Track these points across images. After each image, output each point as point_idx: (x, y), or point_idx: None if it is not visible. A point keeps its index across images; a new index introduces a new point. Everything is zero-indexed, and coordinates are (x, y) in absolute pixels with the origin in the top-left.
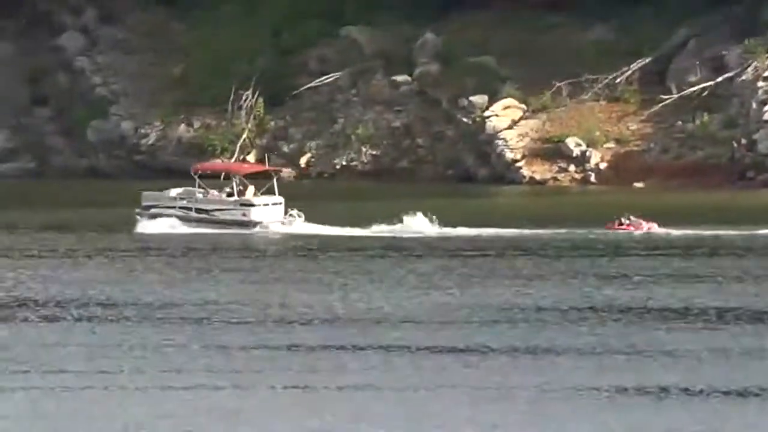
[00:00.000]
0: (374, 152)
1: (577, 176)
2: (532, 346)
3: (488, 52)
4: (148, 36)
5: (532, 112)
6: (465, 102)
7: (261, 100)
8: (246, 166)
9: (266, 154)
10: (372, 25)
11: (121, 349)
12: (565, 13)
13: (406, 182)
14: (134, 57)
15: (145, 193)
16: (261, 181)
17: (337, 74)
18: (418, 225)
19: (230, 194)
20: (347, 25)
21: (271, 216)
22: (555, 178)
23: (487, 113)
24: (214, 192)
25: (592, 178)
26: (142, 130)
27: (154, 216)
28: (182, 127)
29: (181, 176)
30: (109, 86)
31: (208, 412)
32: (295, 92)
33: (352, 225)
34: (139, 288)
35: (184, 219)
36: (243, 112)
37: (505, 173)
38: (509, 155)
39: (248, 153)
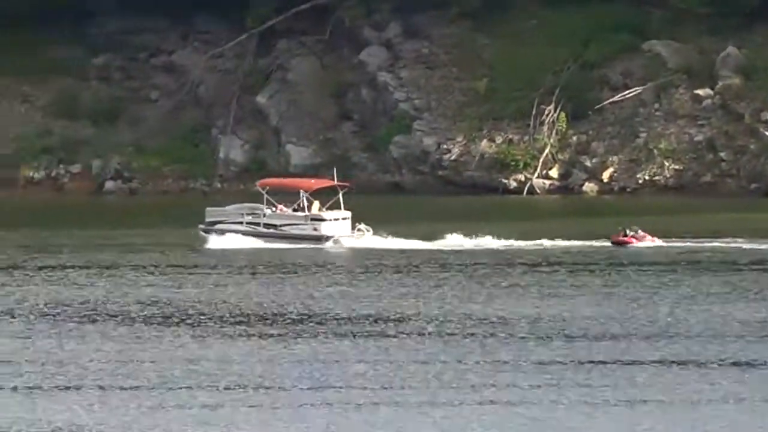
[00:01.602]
0: (677, 167)
1: None
2: None
3: None
4: (452, 50)
5: None
6: None
7: (563, 114)
8: (313, 181)
9: (335, 169)
10: (675, 39)
11: (416, 366)
12: None
13: (709, 197)
14: (437, 72)
15: (209, 209)
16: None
17: (639, 88)
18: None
19: (296, 209)
20: (650, 39)
21: (341, 230)
22: None
23: None
24: (282, 207)
25: None
26: (445, 146)
27: (222, 232)
28: (484, 142)
29: (486, 191)
30: (412, 101)
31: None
32: (598, 106)
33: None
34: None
35: (251, 234)
36: (545, 127)
37: None
38: None
39: (550, 168)
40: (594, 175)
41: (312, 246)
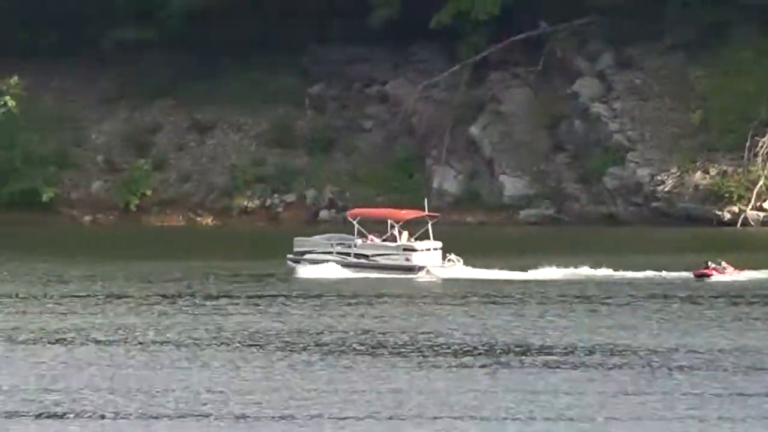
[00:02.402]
0: None
1: None
2: None
3: None
4: (665, 81)
5: None
6: None
7: None
8: (404, 212)
9: (425, 199)
10: None
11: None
12: None
13: None
14: (650, 103)
15: (298, 239)
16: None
17: None
18: None
19: (386, 239)
20: None
21: (432, 260)
22: None
23: None
24: (373, 237)
25: None
26: (659, 177)
27: (314, 261)
28: (698, 173)
29: (700, 223)
30: (626, 132)
31: None
32: None
33: None
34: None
35: (342, 264)
36: (759, 158)
37: None
38: None
39: (765, 200)
40: None
41: (403, 276)
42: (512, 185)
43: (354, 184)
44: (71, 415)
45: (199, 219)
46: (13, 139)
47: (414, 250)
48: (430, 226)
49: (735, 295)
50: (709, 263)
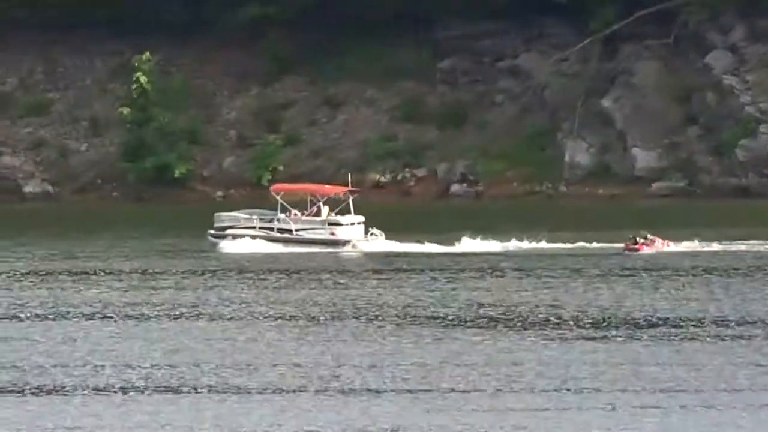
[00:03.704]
0: None
1: None
2: None
3: None
4: None
5: None
6: None
7: None
8: (328, 187)
9: (349, 175)
10: None
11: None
12: None
13: None
14: None
15: (218, 214)
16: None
17: None
18: None
19: (309, 214)
20: None
21: (356, 234)
22: None
23: None
24: (296, 212)
25: None
26: None
27: (236, 237)
28: None
29: None
30: (758, 105)
31: None
32: None
33: None
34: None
35: (267, 239)
36: None
37: None
38: None
39: None
40: None
41: (329, 250)
42: (644, 158)
43: (485, 158)
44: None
45: None
46: (145, 115)
47: (339, 224)
48: (351, 201)
49: None
50: (637, 238)
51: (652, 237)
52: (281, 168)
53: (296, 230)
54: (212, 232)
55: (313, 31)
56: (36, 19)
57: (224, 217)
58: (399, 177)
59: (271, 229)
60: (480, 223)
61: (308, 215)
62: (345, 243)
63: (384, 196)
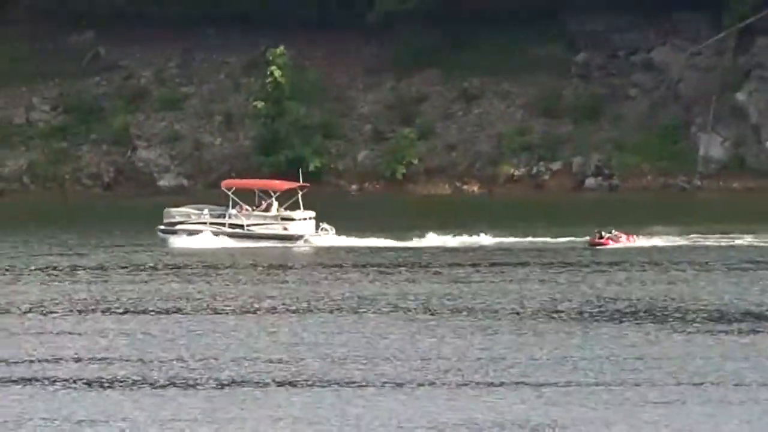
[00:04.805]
0: None
1: None
2: None
3: None
4: None
5: None
6: None
7: None
8: (279, 182)
9: (299, 169)
10: None
11: None
12: None
13: None
14: None
15: (167, 210)
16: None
17: None
18: None
19: (257, 209)
20: None
21: (308, 229)
22: None
23: None
24: (246, 207)
25: None
26: None
27: (190, 232)
28: None
29: None
30: None
31: None
32: None
33: None
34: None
35: (217, 234)
36: None
37: None
38: None
39: None
40: None
41: (281, 245)
42: None
43: (619, 151)
44: (362, 382)
45: (465, 187)
46: (279, 109)
47: (292, 219)
48: (300, 196)
49: None
50: (603, 233)
51: (617, 232)
52: (415, 162)
53: (248, 225)
54: (161, 227)
55: (448, 24)
56: (170, 15)
57: (174, 213)
58: (533, 170)
59: (222, 224)
60: (616, 216)
61: (259, 210)
62: (298, 238)
63: (517, 190)
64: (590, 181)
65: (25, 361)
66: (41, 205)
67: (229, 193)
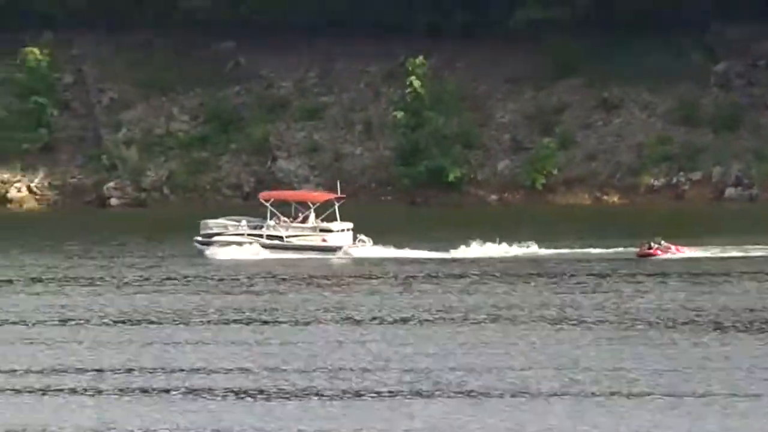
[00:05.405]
0: None
1: None
2: None
3: None
4: None
5: None
6: None
7: None
8: (316, 194)
9: (338, 182)
10: None
11: None
12: None
13: None
14: None
15: (206, 222)
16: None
17: None
18: None
19: (300, 221)
20: None
21: (346, 241)
22: None
23: None
24: (285, 219)
25: None
26: None
27: (226, 244)
28: None
29: None
30: None
31: None
32: None
33: None
34: None
35: (266, 246)
36: None
37: None
38: None
39: None
40: None
41: (320, 256)
42: None
43: (759, 161)
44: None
45: (605, 198)
46: (419, 119)
47: (330, 231)
48: (337, 207)
49: None
50: (651, 243)
51: (666, 243)
52: (555, 172)
53: (287, 237)
54: (198, 239)
55: (590, 33)
56: (309, 24)
57: (212, 224)
58: (673, 180)
59: (261, 236)
60: (755, 227)
61: (297, 222)
62: (336, 249)
63: (657, 200)
64: (730, 191)
65: (135, 370)
66: (181, 215)
67: (267, 205)
